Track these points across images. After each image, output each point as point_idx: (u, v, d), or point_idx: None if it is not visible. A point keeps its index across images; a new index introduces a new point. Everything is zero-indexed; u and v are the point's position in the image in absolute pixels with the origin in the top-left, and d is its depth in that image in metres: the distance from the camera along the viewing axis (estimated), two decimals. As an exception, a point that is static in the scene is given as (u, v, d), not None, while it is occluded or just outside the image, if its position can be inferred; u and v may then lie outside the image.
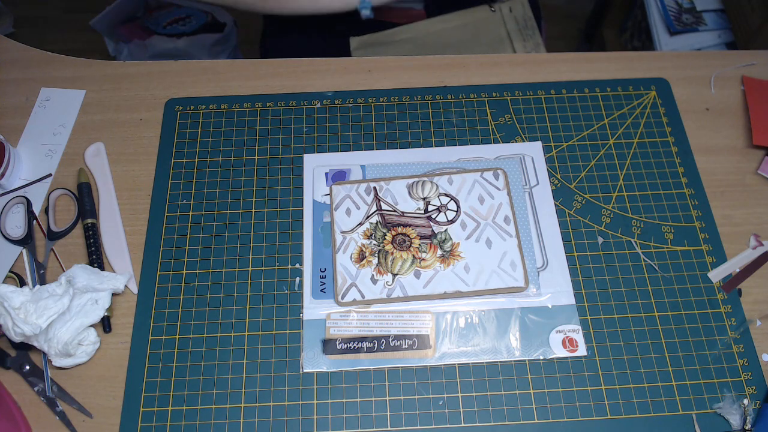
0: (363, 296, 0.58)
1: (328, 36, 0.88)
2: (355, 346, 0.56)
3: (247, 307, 0.58)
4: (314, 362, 0.55)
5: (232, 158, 0.66)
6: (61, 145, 0.68)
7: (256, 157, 0.66)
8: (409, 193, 0.63)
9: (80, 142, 0.68)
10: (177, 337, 0.57)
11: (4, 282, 0.59)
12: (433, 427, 0.53)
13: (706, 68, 0.72)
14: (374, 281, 0.58)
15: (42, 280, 0.60)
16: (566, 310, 0.57)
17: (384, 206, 0.62)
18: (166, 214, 0.63)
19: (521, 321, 0.57)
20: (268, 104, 0.69)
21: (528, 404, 0.54)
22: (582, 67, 0.72)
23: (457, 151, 0.66)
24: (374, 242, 0.60)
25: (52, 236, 0.62)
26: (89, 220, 0.62)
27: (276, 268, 0.60)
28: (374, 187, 0.63)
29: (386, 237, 0.60)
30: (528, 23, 0.89)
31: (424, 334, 0.56)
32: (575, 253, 0.60)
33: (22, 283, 0.59)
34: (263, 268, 0.60)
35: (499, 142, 0.66)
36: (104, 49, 1.56)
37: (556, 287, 0.58)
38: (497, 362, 0.55)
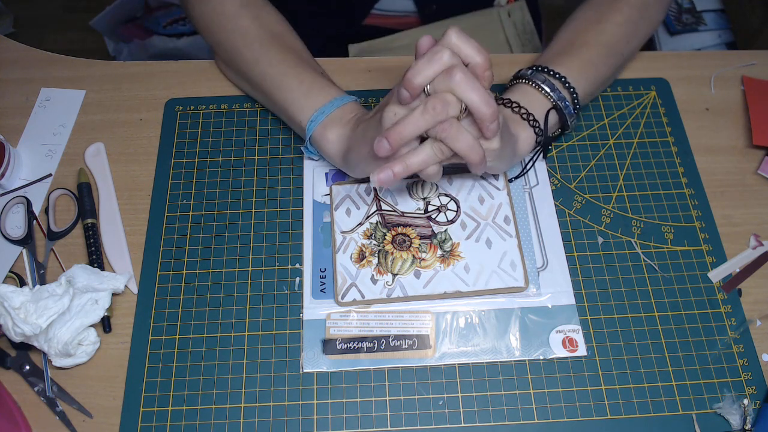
0: (363, 296, 0.58)
1: (327, 42, 0.88)
2: (355, 346, 0.56)
3: (247, 307, 0.58)
4: (314, 362, 0.55)
5: (232, 158, 0.66)
6: (61, 145, 0.68)
7: (256, 157, 0.66)
8: (409, 193, 0.63)
9: (80, 142, 0.68)
10: (177, 337, 0.57)
11: (4, 282, 0.59)
12: (433, 427, 0.53)
13: (706, 68, 0.72)
14: (374, 281, 0.58)
15: (42, 280, 0.60)
16: (566, 310, 0.57)
17: (384, 206, 0.62)
18: (166, 214, 0.63)
19: (521, 321, 0.57)
20: (268, 104, 0.69)
21: (528, 404, 0.54)
22: (582, 67, 0.72)
23: (457, 151, 0.66)
24: (374, 242, 0.60)
25: (52, 236, 0.62)
26: (89, 220, 0.62)
27: (276, 268, 0.60)
28: (374, 187, 0.63)
29: (386, 237, 0.60)
30: (527, 28, 0.88)
31: (424, 334, 0.56)
32: (575, 253, 0.60)
33: (22, 283, 0.59)
34: (263, 268, 0.60)
35: (499, 142, 0.66)
36: (104, 49, 1.56)
37: (556, 287, 0.58)
38: (497, 362, 0.55)
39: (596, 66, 0.63)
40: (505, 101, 0.61)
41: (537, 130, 0.61)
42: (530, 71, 0.62)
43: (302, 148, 0.64)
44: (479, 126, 0.51)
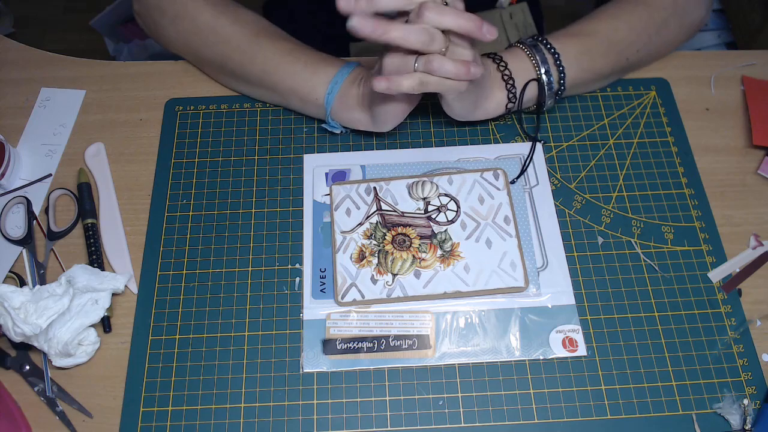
0: (363, 296, 0.58)
1: (328, 42, 0.88)
2: (355, 346, 0.56)
3: (247, 307, 0.58)
4: (314, 362, 0.55)
5: (232, 158, 0.66)
6: (61, 145, 0.68)
7: (256, 157, 0.66)
8: (409, 193, 0.63)
9: (80, 142, 0.68)
10: (177, 337, 0.57)
11: (4, 282, 0.59)
12: (433, 427, 0.53)
13: (706, 68, 0.72)
14: (374, 281, 0.58)
15: (42, 280, 0.60)
16: (566, 310, 0.57)
17: (384, 206, 0.62)
18: (166, 214, 0.63)
19: (521, 321, 0.57)
20: (268, 104, 0.69)
21: (528, 404, 0.54)
22: (582, 67, 0.71)
23: (457, 151, 0.66)
24: (374, 242, 0.60)
25: (52, 236, 0.62)
26: (89, 220, 0.62)
27: (276, 268, 0.60)
28: (374, 187, 0.63)
29: (386, 237, 0.60)
30: (528, 30, 0.88)
31: (424, 334, 0.56)
32: (575, 253, 0.60)
33: (22, 283, 0.59)
34: (263, 268, 0.60)
35: (499, 142, 0.66)
36: (104, 49, 1.56)
37: (556, 287, 0.58)
38: (497, 362, 0.55)
39: (593, 58, 0.63)
40: (494, 57, 0.62)
41: (511, 96, 0.62)
42: (530, 39, 0.63)
43: (323, 125, 0.65)
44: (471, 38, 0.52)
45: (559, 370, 0.55)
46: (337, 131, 0.66)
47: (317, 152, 0.66)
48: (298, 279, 0.59)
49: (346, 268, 0.59)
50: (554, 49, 0.61)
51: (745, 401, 0.53)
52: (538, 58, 0.61)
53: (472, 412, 0.54)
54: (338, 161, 0.65)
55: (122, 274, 0.59)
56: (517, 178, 0.63)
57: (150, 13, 0.69)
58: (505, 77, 0.61)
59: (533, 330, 0.56)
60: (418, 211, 0.62)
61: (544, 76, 0.61)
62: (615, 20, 0.65)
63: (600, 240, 0.61)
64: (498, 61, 0.62)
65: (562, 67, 0.61)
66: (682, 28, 0.69)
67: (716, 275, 0.52)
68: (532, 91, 0.63)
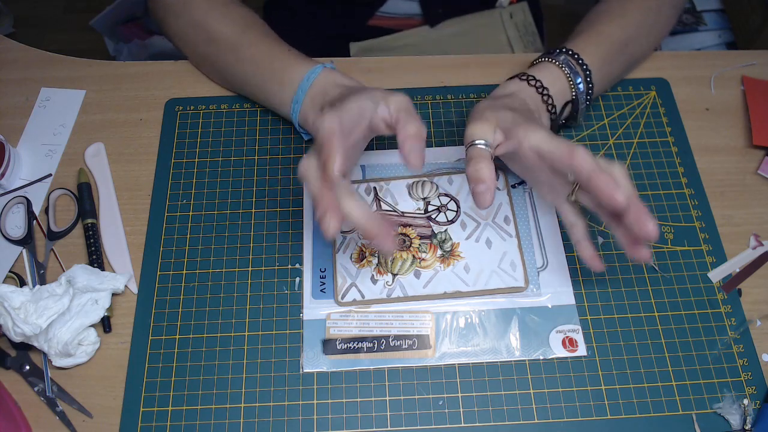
0: (363, 296, 0.58)
1: (328, 41, 0.88)
2: (355, 346, 0.56)
3: (247, 307, 0.58)
4: (314, 362, 0.55)
5: (232, 158, 0.66)
6: (61, 145, 0.68)
7: (256, 157, 0.66)
8: (409, 193, 0.63)
9: (80, 142, 0.68)
10: (177, 337, 0.57)
11: (4, 282, 0.59)
12: (433, 427, 0.53)
13: (706, 68, 0.72)
14: (374, 281, 0.58)
15: (42, 280, 0.60)
16: (566, 310, 0.57)
17: (384, 206, 0.62)
18: (166, 214, 0.63)
19: (521, 321, 0.57)
20: (268, 104, 0.69)
21: (528, 404, 0.54)
22: (582, 67, 0.71)
23: (457, 151, 0.66)
24: (374, 242, 0.60)
25: (52, 236, 0.62)
26: (89, 220, 0.62)
27: (276, 268, 0.60)
28: (374, 187, 0.63)
29: (386, 237, 0.60)
30: (528, 29, 0.89)
31: (424, 334, 0.56)
32: (575, 253, 0.60)
33: (22, 283, 0.59)
34: (263, 268, 0.60)
35: (499, 142, 0.66)
36: (104, 49, 1.56)
37: (556, 287, 0.58)
38: (497, 362, 0.55)
39: (611, 64, 0.64)
40: (537, 85, 0.60)
41: (552, 116, 0.61)
42: (562, 55, 0.61)
43: (299, 131, 0.65)
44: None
45: (559, 370, 0.55)
46: (307, 138, 0.66)
47: (317, 152, 0.66)
48: (298, 279, 0.59)
49: (346, 268, 0.59)
50: (586, 65, 0.60)
51: (745, 401, 0.53)
52: (573, 78, 0.60)
53: (472, 412, 0.54)
54: (338, 161, 0.65)
55: (122, 274, 0.59)
56: (519, 183, 0.63)
57: (158, 8, 0.70)
58: (549, 107, 0.60)
59: (533, 330, 0.56)
60: (418, 211, 0.62)
61: (580, 96, 0.61)
62: (621, 18, 0.64)
63: (600, 240, 0.61)
64: (541, 90, 0.60)
65: (591, 84, 0.61)
66: (671, 13, 0.69)
67: (716, 275, 0.52)
68: (565, 109, 0.62)
